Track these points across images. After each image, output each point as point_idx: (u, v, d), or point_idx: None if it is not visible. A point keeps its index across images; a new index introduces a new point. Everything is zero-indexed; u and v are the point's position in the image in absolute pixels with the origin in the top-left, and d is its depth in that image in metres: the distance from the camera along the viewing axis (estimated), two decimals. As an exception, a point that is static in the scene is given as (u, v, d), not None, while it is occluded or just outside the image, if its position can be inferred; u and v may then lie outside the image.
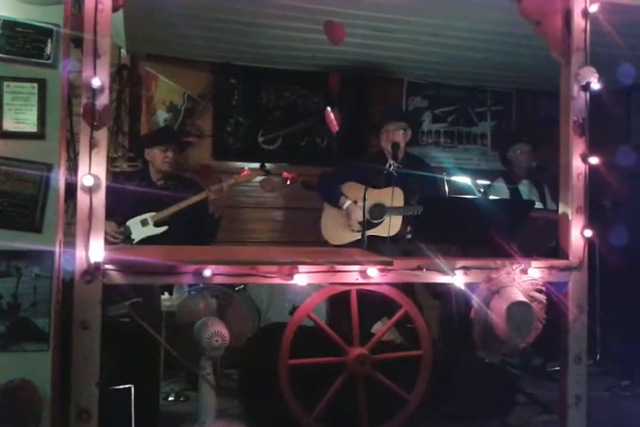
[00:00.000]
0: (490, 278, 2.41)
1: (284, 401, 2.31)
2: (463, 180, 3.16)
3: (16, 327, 1.94)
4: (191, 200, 3.46)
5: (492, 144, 4.77)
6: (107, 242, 3.15)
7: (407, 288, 2.83)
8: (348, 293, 2.36)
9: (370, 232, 3.28)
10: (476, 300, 2.40)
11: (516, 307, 2.32)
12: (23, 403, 1.89)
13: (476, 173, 4.02)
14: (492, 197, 3.41)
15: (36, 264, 1.96)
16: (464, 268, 2.42)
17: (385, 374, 2.39)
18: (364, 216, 3.10)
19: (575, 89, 2.51)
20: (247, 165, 3.84)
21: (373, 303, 2.55)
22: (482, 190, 3.07)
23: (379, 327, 2.83)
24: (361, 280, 2.34)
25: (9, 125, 1.96)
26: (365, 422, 2.35)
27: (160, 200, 3.47)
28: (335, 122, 2.53)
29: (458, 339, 2.81)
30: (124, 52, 3.91)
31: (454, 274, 2.41)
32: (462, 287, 2.41)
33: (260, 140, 4.30)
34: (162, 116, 4.09)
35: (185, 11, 3.01)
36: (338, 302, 2.59)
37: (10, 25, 1.96)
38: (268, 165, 3.74)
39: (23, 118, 1.97)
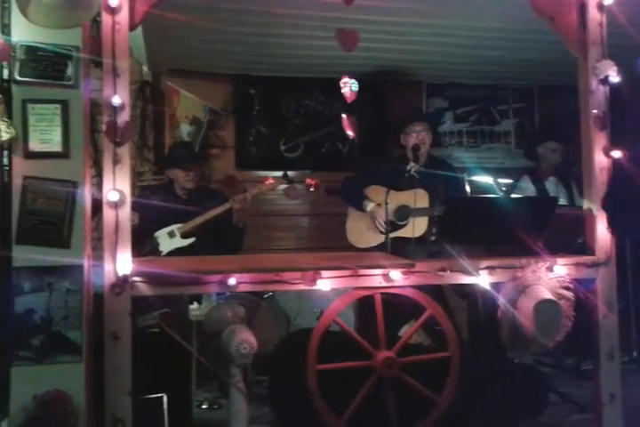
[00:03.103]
0: (515, 277, 2.40)
1: (314, 406, 2.33)
2: (485, 179, 3.14)
3: (50, 340, 2.01)
4: (216, 211, 3.50)
5: (515, 142, 4.73)
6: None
7: (435, 290, 2.83)
8: (373, 296, 2.37)
9: (395, 234, 3.28)
10: (502, 300, 2.39)
11: (543, 305, 2.30)
12: (59, 414, 1.95)
13: (500, 172, 4.00)
14: (515, 196, 3.38)
15: (66, 279, 2.02)
16: (489, 267, 2.41)
17: (414, 376, 2.39)
18: (387, 219, 3.11)
19: (594, 83, 2.49)
20: (270, 174, 3.89)
21: (400, 306, 2.55)
22: (504, 189, 3.05)
23: (406, 330, 2.82)
24: (384, 284, 2.35)
25: (35, 146, 2.03)
26: (395, 424, 2.35)
27: (186, 212, 3.53)
28: (352, 128, 2.55)
29: (486, 340, 2.79)
30: (145, 68, 4.00)
31: (479, 274, 2.40)
32: (487, 287, 2.40)
33: (282, 148, 4.35)
34: (185, 129, 4.17)
35: (200, 25, 3.08)
36: (364, 306, 2.60)
37: (32, 50, 2.04)
38: (290, 173, 3.78)
39: (48, 138, 2.04)
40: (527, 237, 2.43)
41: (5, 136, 1.98)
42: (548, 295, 2.31)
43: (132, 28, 2.22)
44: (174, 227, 3.52)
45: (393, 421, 2.36)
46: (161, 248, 3.48)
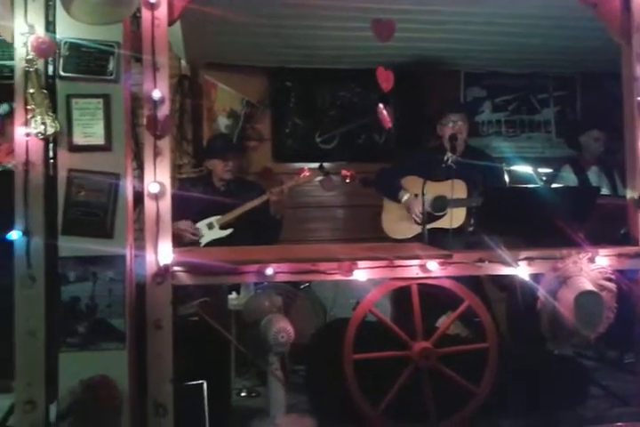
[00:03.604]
0: (556, 268, 2.36)
1: (351, 396, 2.35)
2: (524, 169, 3.10)
3: (94, 328, 2.08)
4: (253, 203, 3.55)
5: (556, 131, 4.63)
6: (184, 238, 3.32)
7: (473, 282, 2.81)
8: (410, 287, 2.37)
9: (432, 225, 3.27)
10: (542, 291, 2.36)
11: (584, 297, 2.26)
12: (104, 398, 2.02)
13: (540, 162, 3.93)
14: (555, 186, 3.32)
15: (109, 268, 2.09)
16: (528, 258, 2.39)
17: (452, 367, 2.39)
18: (423, 210, 3.10)
19: (638, 69, 2.43)
20: (306, 166, 3.90)
21: (437, 297, 2.55)
22: (544, 179, 3.00)
23: (443, 321, 2.81)
24: (421, 274, 2.35)
25: (79, 139, 2.10)
26: (432, 415, 2.35)
27: (224, 204, 3.58)
28: (387, 118, 2.54)
29: (526, 331, 2.76)
30: (184, 62, 4.07)
31: (518, 265, 2.38)
32: (526, 278, 2.38)
33: (318, 140, 4.36)
34: (223, 122, 4.22)
35: (237, 19, 3.11)
36: (401, 296, 2.60)
37: (75, 46, 2.10)
38: (326, 165, 3.79)
39: (91, 132, 2.10)
40: (568, 227, 2.39)
41: (50, 130, 2.05)
42: (590, 287, 2.28)
43: (170, 22, 2.26)
44: (213, 219, 3.58)
45: (430, 411, 2.36)
46: (200, 239, 3.54)
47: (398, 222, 3.53)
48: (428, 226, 3.16)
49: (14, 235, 2.04)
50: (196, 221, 3.59)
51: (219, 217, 3.59)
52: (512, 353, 2.61)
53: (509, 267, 2.36)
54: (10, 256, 2.11)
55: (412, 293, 2.35)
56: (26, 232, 2.05)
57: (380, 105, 2.57)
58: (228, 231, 3.57)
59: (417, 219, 3.37)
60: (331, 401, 2.55)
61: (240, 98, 4.22)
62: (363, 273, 2.31)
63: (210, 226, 3.58)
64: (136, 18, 2.25)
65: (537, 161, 3.89)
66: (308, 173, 3.67)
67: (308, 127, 4.33)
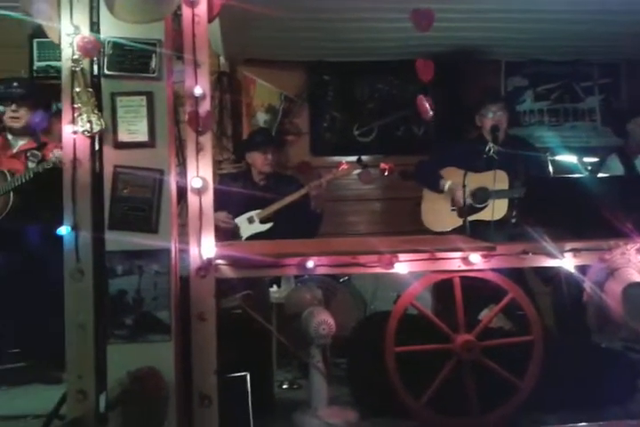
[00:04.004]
0: (603, 260, 2.32)
1: (393, 388, 2.35)
2: (569, 158, 3.03)
3: (141, 320, 2.13)
4: (293, 197, 3.58)
5: (601, 119, 4.50)
6: (219, 229, 3.37)
7: (516, 274, 2.77)
8: (451, 280, 2.36)
9: (474, 217, 3.23)
10: (588, 283, 2.32)
11: (632, 288, 2.22)
12: (151, 389, 2.07)
13: (585, 151, 3.82)
14: (601, 175, 3.24)
15: (154, 262, 2.13)
16: (574, 250, 2.35)
17: (495, 361, 2.36)
18: (464, 202, 3.06)
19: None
20: (345, 159, 3.91)
21: (480, 290, 2.52)
22: (590, 168, 2.93)
23: (486, 314, 2.79)
24: (463, 267, 2.33)
25: (123, 136, 2.14)
26: (475, 408, 2.34)
27: (264, 198, 3.62)
28: (428, 109, 2.52)
29: (572, 324, 2.71)
30: (222, 59, 4.11)
31: (563, 257, 2.33)
32: (572, 270, 2.33)
33: (356, 133, 4.35)
34: (261, 117, 4.26)
35: (274, 14, 3.12)
36: (443, 289, 2.59)
37: (118, 45, 2.15)
38: (364, 158, 3.78)
39: (135, 129, 2.14)
40: (615, 217, 2.33)
41: (96, 128, 2.10)
42: (638, 278, 2.22)
43: (210, 19, 2.29)
44: (253, 213, 3.63)
45: (473, 404, 2.34)
46: (241, 233, 3.59)
47: (438, 214, 3.51)
48: (469, 218, 3.14)
49: (63, 230, 2.10)
50: (236, 216, 3.64)
51: (259, 211, 3.63)
52: (558, 346, 2.56)
53: (554, 259, 2.32)
54: (60, 251, 2.19)
55: (455, 285, 2.33)
56: (74, 227, 2.11)
57: (421, 96, 2.54)
58: (269, 225, 3.61)
59: (460, 202, 3.32)
60: (372, 394, 2.56)
61: (278, 93, 4.24)
62: (403, 266, 2.30)
63: (250, 220, 3.63)
64: (177, 16, 2.28)
65: (582, 150, 3.80)
66: (346, 167, 3.68)
67: (346, 120, 4.32)
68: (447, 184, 3.43)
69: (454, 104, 4.27)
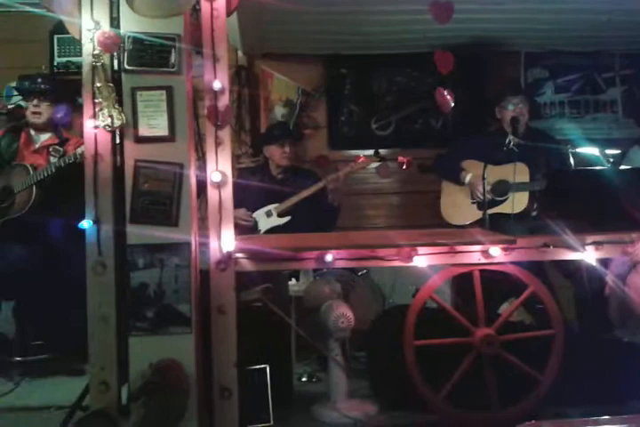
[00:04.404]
0: (625, 253, 2.29)
1: (412, 382, 2.35)
2: (590, 150, 2.99)
3: (162, 313, 2.14)
4: (310, 190, 3.58)
5: (623, 111, 4.43)
6: (239, 226, 3.39)
7: (536, 268, 2.75)
8: (471, 273, 2.35)
9: (493, 210, 3.21)
10: (610, 276, 2.30)
11: (655, 283, 2.18)
12: (172, 380, 2.09)
13: (607, 143, 3.77)
14: (623, 167, 3.20)
15: (175, 255, 2.15)
16: (595, 243, 2.32)
17: (516, 355, 2.35)
18: (484, 196, 3.04)
19: None
20: (362, 153, 3.90)
21: (500, 284, 2.51)
22: (612, 160, 2.89)
23: (506, 308, 2.77)
24: (483, 260, 2.32)
25: (144, 131, 2.16)
26: (495, 402, 2.33)
27: (282, 192, 3.63)
28: (448, 101, 2.50)
29: (594, 318, 2.69)
30: (240, 53, 4.11)
31: (585, 250, 2.31)
32: (594, 264, 2.31)
33: (374, 126, 4.33)
34: (279, 111, 4.26)
35: (291, 8, 3.11)
36: (462, 282, 2.58)
37: (138, 40, 2.16)
38: (382, 151, 3.77)
39: (155, 123, 2.16)
40: (637, 210, 2.30)
41: (117, 122, 2.12)
42: (662, 272, 2.19)
43: (229, 13, 2.29)
44: (271, 206, 3.63)
45: (493, 398, 2.33)
46: (259, 227, 3.61)
47: (458, 208, 3.49)
48: (489, 211, 3.11)
49: (85, 224, 2.13)
50: (254, 210, 3.65)
51: (276, 205, 3.64)
52: (580, 341, 2.54)
53: (576, 252, 2.30)
54: (82, 244, 2.21)
55: (475, 279, 2.32)
56: (96, 221, 2.13)
57: (440, 88, 2.52)
58: (286, 219, 3.61)
59: (480, 196, 3.30)
60: (391, 387, 2.56)
61: (296, 87, 4.24)
62: (423, 259, 2.30)
63: (268, 214, 3.64)
64: (195, 10, 2.29)
65: (604, 142, 3.74)
66: (363, 160, 3.67)
67: (363, 114, 4.31)
68: (468, 177, 3.41)
69: (473, 96, 4.24)
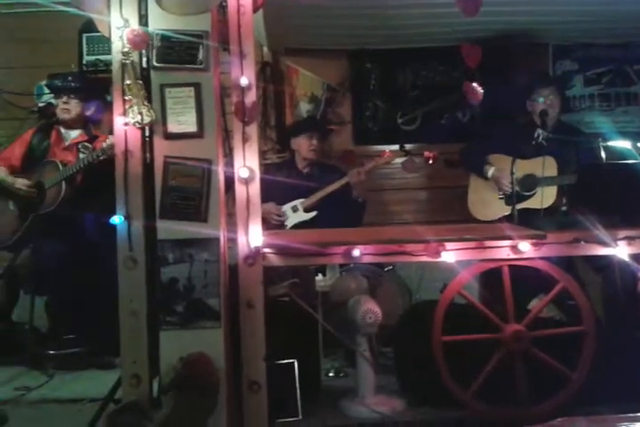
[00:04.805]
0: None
1: (441, 378, 2.34)
2: (621, 144, 2.94)
3: (192, 307, 2.17)
4: (335, 185, 3.59)
5: (655, 103, 4.34)
6: (267, 221, 3.40)
7: (565, 263, 2.72)
8: (499, 269, 2.33)
9: (522, 205, 3.18)
10: (643, 272, 2.26)
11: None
12: (202, 374, 2.11)
13: (638, 136, 3.70)
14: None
15: (204, 250, 2.17)
16: (627, 238, 2.29)
17: (547, 351, 2.32)
18: (512, 190, 3.01)
19: None
20: (388, 148, 3.88)
21: (528, 279, 2.48)
22: (644, 154, 2.83)
23: (536, 304, 2.74)
24: (512, 256, 2.29)
25: (173, 127, 2.18)
26: (525, 399, 2.31)
27: (307, 186, 3.64)
28: (476, 94, 2.47)
29: (623, 315, 2.64)
30: (265, 49, 4.12)
31: (616, 245, 2.27)
32: (626, 259, 2.27)
33: (400, 121, 4.31)
34: (304, 107, 4.26)
35: (316, 2, 3.11)
36: (490, 278, 2.55)
37: (166, 37, 2.18)
38: (408, 146, 3.75)
39: (184, 120, 2.18)
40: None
41: (147, 119, 2.14)
42: (697, 268, 2.14)
43: (255, 9, 2.30)
44: (297, 202, 3.65)
45: (523, 395, 2.31)
46: (286, 222, 3.62)
47: (485, 203, 3.45)
48: (517, 206, 3.08)
49: (117, 219, 2.16)
50: (280, 205, 3.66)
51: (302, 200, 3.65)
52: (610, 337, 2.50)
53: (607, 247, 2.26)
54: (111, 239, 2.25)
55: (504, 274, 2.30)
56: (127, 217, 2.16)
57: (469, 82, 2.50)
58: (312, 214, 3.62)
59: (506, 189, 3.26)
60: (419, 383, 2.55)
61: (321, 82, 4.24)
62: (451, 255, 2.28)
63: (294, 209, 3.66)
64: (222, 7, 2.30)
65: (635, 135, 3.66)
66: (388, 155, 3.66)
67: (389, 109, 4.29)
68: (491, 170, 3.38)
69: (500, 89, 4.18)
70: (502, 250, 2.28)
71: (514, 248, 2.27)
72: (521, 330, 2.30)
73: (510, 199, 3.21)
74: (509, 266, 2.32)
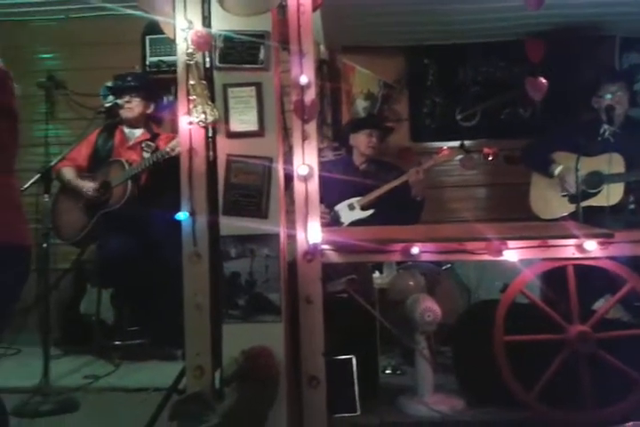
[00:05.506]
0: None
1: (502, 379, 2.30)
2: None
3: (253, 301, 2.21)
4: (393, 183, 3.57)
5: None
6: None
7: (633, 263, 2.62)
8: (563, 268, 2.27)
9: (586, 203, 3.08)
10: None
11: None
12: (263, 367, 2.15)
13: None
14: None
15: (265, 246, 2.20)
16: (703, 236, 2.18)
17: (614, 353, 2.25)
18: (577, 187, 2.92)
19: None
20: (446, 145, 3.84)
21: (594, 279, 2.41)
22: None
23: (602, 305, 2.66)
24: (578, 255, 2.23)
25: (235, 126, 2.22)
26: (591, 402, 2.24)
27: (364, 185, 3.64)
28: (540, 90, 2.40)
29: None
30: (322, 47, 4.14)
31: (689, 245, 2.18)
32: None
33: (458, 117, 4.25)
34: (361, 105, 4.26)
35: (375, 0, 3.11)
36: (552, 277, 2.49)
37: (228, 38, 2.23)
38: (467, 143, 3.70)
39: (246, 119, 2.22)
40: None
41: (210, 118, 2.19)
42: None
43: (314, 8, 2.31)
44: (354, 200, 3.65)
45: (588, 397, 2.25)
46: (342, 220, 3.63)
47: (548, 201, 3.37)
48: (582, 204, 2.99)
49: (182, 215, 2.22)
50: (337, 203, 3.68)
51: (359, 198, 3.65)
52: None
53: (679, 247, 2.17)
54: (174, 235, 2.32)
55: (568, 274, 2.24)
56: (191, 213, 2.22)
57: (531, 77, 2.44)
58: (370, 212, 3.62)
59: (571, 190, 3.17)
60: (479, 383, 2.52)
61: (377, 79, 4.23)
62: (513, 253, 2.24)
63: (351, 207, 3.66)
64: (282, 6, 2.33)
65: None
66: (447, 152, 3.61)
67: (447, 105, 4.24)
68: (558, 169, 3.29)
69: (564, 84, 4.06)
70: (567, 249, 2.22)
71: (579, 247, 2.21)
72: (586, 331, 2.24)
73: (574, 197, 3.11)
74: (574, 265, 2.26)
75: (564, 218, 3.22)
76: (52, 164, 3.08)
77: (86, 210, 3.60)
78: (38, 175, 2.93)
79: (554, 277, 2.41)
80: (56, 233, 3.57)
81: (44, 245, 2.93)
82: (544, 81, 2.41)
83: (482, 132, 4.19)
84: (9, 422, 1.78)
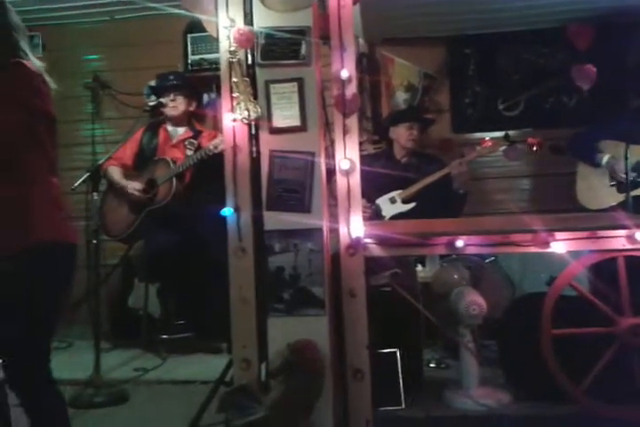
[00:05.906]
0: None
1: (550, 372, 2.27)
2: None
3: (297, 295, 2.23)
4: (434, 176, 3.53)
5: None
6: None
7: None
8: (613, 260, 2.22)
9: (636, 192, 2.99)
10: None
11: None
12: (309, 360, 2.17)
13: None
14: None
15: (308, 240, 2.22)
16: None
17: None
18: (626, 176, 2.84)
19: None
20: (488, 135, 3.77)
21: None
22: None
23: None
24: (628, 246, 2.18)
25: (278, 122, 2.24)
26: (643, 397, 2.19)
27: (405, 178, 3.61)
28: (590, 77, 2.33)
29: None
30: (361, 41, 4.12)
31: None
32: None
33: (501, 107, 4.17)
34: (401, 97, 4.23)
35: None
36: (601, 269, 2.44)
37: (269, 35, 2.24)
38: (511, 133, 3.62)
39: (288, 115, 2.23)
40: None
41: (253, 115, 2.22)
42: None
43: (355, 1, 2.31)
44: (395, 193, 3.63)
45: (638, 392, 2.20)
46: (383, 213, 3.62)
47: (595, 191, 3.29)
48: (631, 193, 2.91)
49: (227, 211, 2.26)
50: (378, 196, 3.67)
51: (400, 191, 3.63)
52: None
53: None
54: (218, 231, 2.36)
55: (619, 266, 2.19)
56: (236, 208, 2.25)
57: (579, 64, 2.38)
58: (411, 205, 3.59)
59: (621, 178, 3.08)
60: (526, 376, 2.49)
61: (417, 71, 4.19)
62: (561, 245, 2.20)
63: (392, 200, 3.64)
64: (322, 1, 2.33)
65: None
66: (490, 144, 3.55)
67: (489, 95, 4.16)
68: (605, 158, 3.20)
69: (611, 71, 3.94)
70: (617, 240, 2.17)
71: (630, 238, 2.15)
72: (639, 324, 2.18)
73: (623, 186, 3.03)
74: (625, 256, 2.20)
75: (612, 208, 3.14)
76: (100, 162, 3.17)
77: (133, 207, 3.70)
78: (87, 174, 3.02)
79: (602, 268, 2.36)
80: (104, 230, 3.68)
81: (94, 241, 3.02)
82: (593, 68, 2.33)
83: (525, 121, 4.11)
84: (68, 412, 1.86)
